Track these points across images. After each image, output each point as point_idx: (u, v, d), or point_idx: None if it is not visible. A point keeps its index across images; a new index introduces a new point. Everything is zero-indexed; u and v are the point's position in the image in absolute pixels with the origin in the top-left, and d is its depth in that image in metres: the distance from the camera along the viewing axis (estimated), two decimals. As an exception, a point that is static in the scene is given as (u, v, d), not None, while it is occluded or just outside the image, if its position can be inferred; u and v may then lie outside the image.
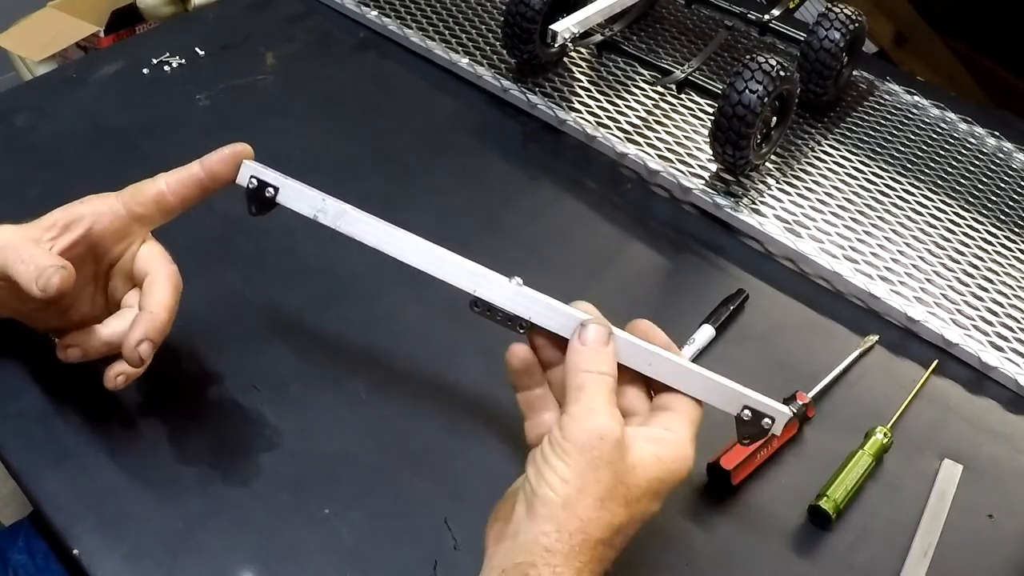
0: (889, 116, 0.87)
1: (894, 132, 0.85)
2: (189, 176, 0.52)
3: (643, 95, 0.85)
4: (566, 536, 0.39)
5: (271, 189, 0.50)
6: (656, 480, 0.41)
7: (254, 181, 0.50)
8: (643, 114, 0.83)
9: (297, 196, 0.50)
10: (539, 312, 0.45)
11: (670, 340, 0.46)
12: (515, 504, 0.43)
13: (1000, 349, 0.66)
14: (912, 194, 0.78)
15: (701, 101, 0.84)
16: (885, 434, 0.59)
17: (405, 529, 0.53)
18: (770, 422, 0.44)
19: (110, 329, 0.52)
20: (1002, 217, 0.77)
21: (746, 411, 0.44)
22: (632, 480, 0.41)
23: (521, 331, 0.46)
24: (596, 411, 0.41)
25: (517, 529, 0.41)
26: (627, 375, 0.45)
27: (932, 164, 0.81)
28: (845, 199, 0.77)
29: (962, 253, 0.73)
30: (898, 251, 0.72)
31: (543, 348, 0.47)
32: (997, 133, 0.85)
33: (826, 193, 0.77)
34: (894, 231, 0.74)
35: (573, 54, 0.89)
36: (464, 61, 0.86)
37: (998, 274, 0.72)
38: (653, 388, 0.46)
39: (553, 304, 0.45)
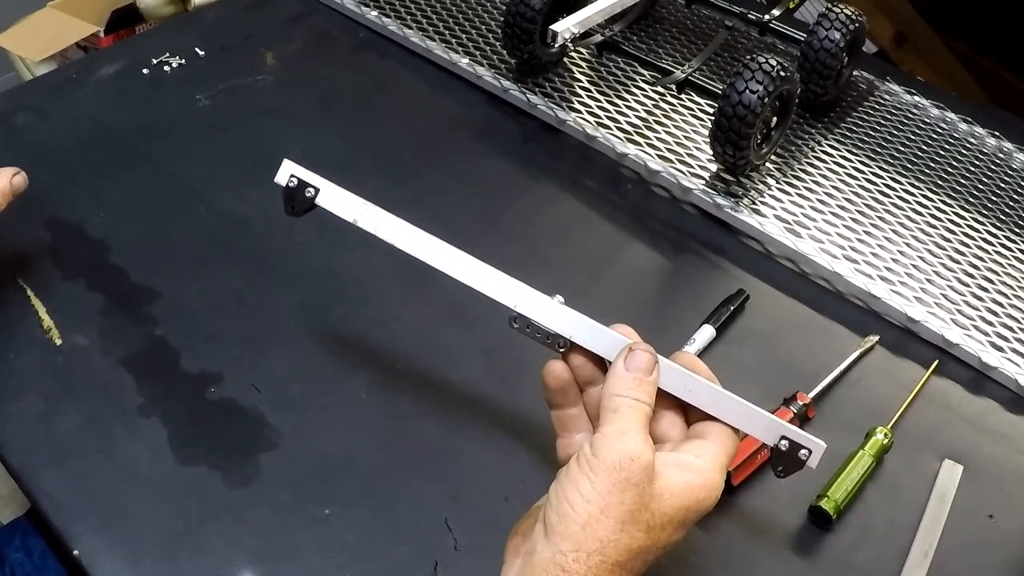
0: (889, 116, 0.87)
1: (894, 132, 0.85)
2: None
3: (643, 95, 0.85)
4: (583, 556, 0.39)
5: (311, 190, 0.50)
6: (683, 509, 0.41)
7: (294, 180, 0.50)
8: (643, 114, 0.83)
9: (337, 199, 0.50)
10: (579, 332, 0.45)
11: (712, 373, 0.45)
12: (536, 521, 0.42)
13: (1000, 349, 0.66)
14: (912, 194, 0.78)
15: (701, 101, 0.84)
16: (885, 434, 0.59)
17: (405, 529, 0.53)
18: (807, 453, 0.44)
19: None
20: (1002, 217, 0.77)
21: (783, 441, 0.44)
22: (657, 506, 0.40)
23: (560, 350, 0.46)
24: (629, 433, 0.41)
25: (534, 547, 0.41)
26: (665, 402, 0.45)
27: (932, 164, 0.81)
28: (845, 199, 0.76)
29: (962, 253, 0.73)
30: (898, 251, 0.72)
31: (580, 368, 0.46)
32: (997, 133, 0.85)
33: (826, 193, 0.77)
34: (894, 231, 0.74)
35: (573, 54, 0.89)
36: (464, 61, 0.86)
37: (998, 274, 0.71)
38: (690, 418, 0.46)
39: (594, 325, 0.45)
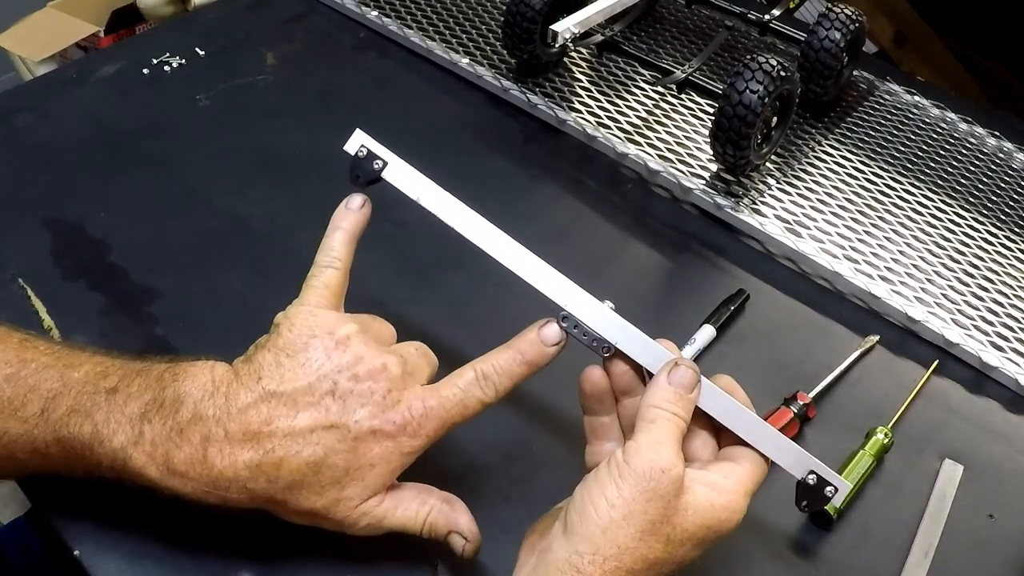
0: (889, 116, 0.87)
1: (894, 132, 0.85)
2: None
3: (643, 95, 0.85)
4: (600, 560, 0.39)
5: (380, 162, 0.50)
6: (703, 527, 0.41)
7: (364, 150, 0.51)
8: (643, 114, 0.83)
9: (404, 175, 0.50)
10: (627, 340, 0.45)
11: (748, 400, 0.46)
12: (555, 520, 0.42)
13: (1000, 349, 0.66)
14: (912, 194, 0.78)
15: (701, 101, 0.84)
16: (886, 434, 0.59)
17: (405, 529, 0.53)
18: (833, 491, 0.44)
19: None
20: (1002, 217, 0.77)
21: (811, 476, 0.44)
22: (679, 521, 0.40)
23: (605, 355, 0.46)
24: (663, 445, 0.41)
25: (550, 545, 0.41)
26: (700, 422, 0.45)
27: (932, 164, 0.81)
28: (845, 199, 0.76)
29: (962, 253, 0.73)
30: (898, 251, 0.72)
31: (620, 376, 0.46)
32: (997, 133, 0.85)
33: (826, 193, 0.77)
34: (894, 231, 0.74)
35: (573, 54, 0.89)
36: (464, 61, 0.86)
37: (998, 274, 0.72)
38: (721, 442, 0.46)
39: (641, 335, 0.45)
